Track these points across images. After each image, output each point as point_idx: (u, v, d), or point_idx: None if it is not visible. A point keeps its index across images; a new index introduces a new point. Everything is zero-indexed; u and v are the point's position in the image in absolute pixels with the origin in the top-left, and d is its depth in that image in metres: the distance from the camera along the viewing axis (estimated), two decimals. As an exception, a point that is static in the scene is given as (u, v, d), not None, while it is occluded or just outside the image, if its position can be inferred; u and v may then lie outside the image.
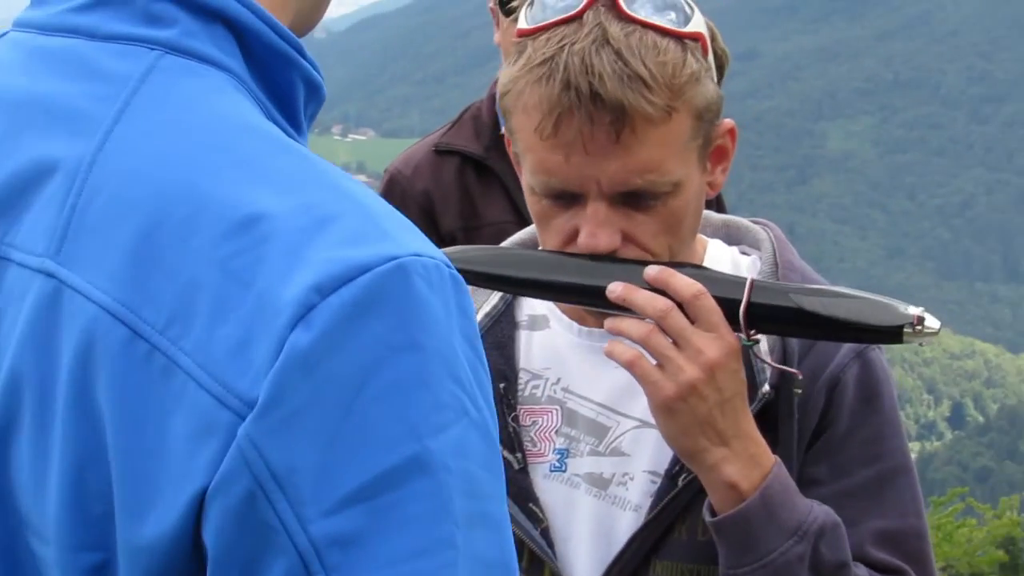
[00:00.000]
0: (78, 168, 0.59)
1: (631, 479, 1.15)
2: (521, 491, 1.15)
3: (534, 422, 1.19)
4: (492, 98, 2.23)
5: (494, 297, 1.24)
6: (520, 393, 1.20)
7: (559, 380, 1.19)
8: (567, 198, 1.09)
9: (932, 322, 1.03)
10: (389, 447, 0.54)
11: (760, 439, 1.08)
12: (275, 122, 0.64)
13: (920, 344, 1.06)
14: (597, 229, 1.07)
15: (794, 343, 1.15)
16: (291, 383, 0.53)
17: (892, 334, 1.04)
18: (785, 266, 1.18)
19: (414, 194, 2.34)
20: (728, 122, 1.16)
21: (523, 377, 1.21)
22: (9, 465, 0.59)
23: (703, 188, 1.14)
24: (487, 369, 0.61)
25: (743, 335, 1.05)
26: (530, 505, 1.15)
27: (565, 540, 1.15)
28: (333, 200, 0.58)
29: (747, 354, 1.10)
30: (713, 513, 1.07)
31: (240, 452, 0.52)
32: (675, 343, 1.03)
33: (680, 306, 1.03)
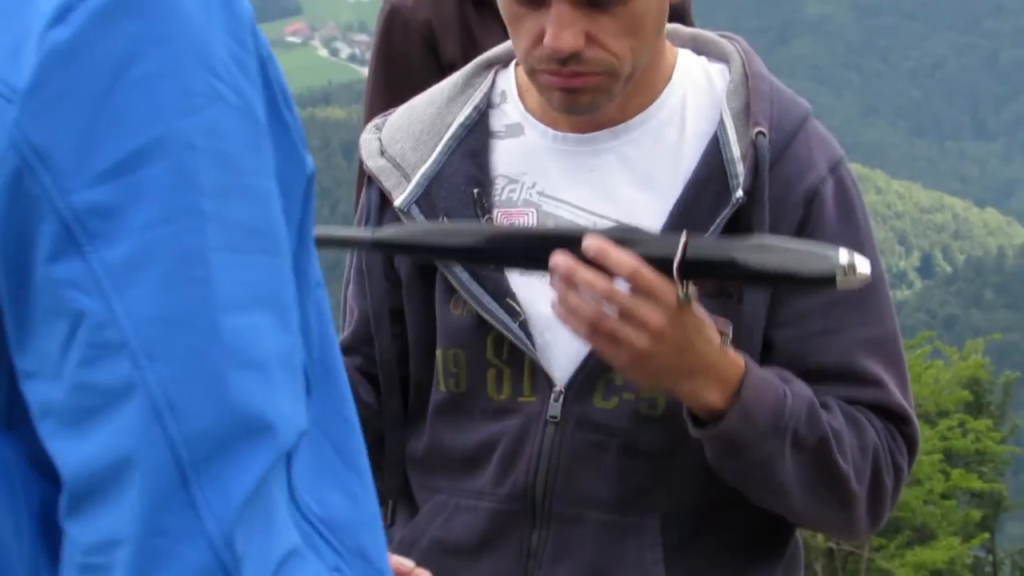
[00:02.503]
0: None
1: None
2: (498, 287, 1.17)
3: (511, 224, 1.21)
4: None
5: (467, 107, 1.24)
6: (497, 197, 1.21)
7: (535, 184, 1.20)
8: (534, 1, 1.09)
9: (863, 267, 1.03)
10: (138, 129, 0.59)
11: (724, 359, 1.10)
12: None
13: (853, 288, 1.07)
14: (561, 31, 1.07)
15: (765, 150, 1.14)
16: (51, 73, 0.58)
17: (825, 282, 1.04)
18: (754, 76, 1.18)
19: (416, 25, 2.20)
20: None
21: (499, 182, 1.22)
22: None
23: None
24: (268, 66, 0.65)
25: (681, 291, 1.05)
26: (507, 300, 1.17)
27: (543, 332, 1.16)
28: None
29: (720, 163, 1.14)
30: (695, 423, 1.11)
31: (7, 134, 0.58)
32: (620, 314, 1.05)
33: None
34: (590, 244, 1.04)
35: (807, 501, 1.16)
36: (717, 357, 1.10)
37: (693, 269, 1.06)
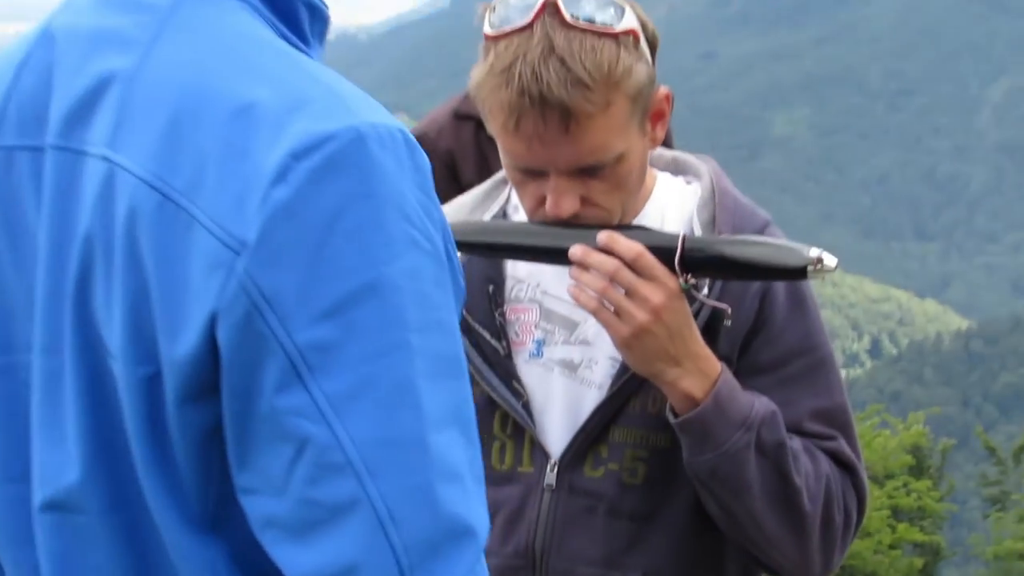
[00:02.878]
0: (126, 78, 0.65)
1: (596, 363, 1.18)
2: (506, 372, 1.19)
3: (517, 317, 1.21)
4: None
5: (487, 215, 1.27)
6: (508, 294, 1.22)
7: (538, 284, 1.21)
8: (534, 173, 1.11)
9: (829, 261, 1.05)
10: (351, 274, 0.59)
11: (707, 354, 1.11)
12: (285, 37, 0.68)
13: (822, 279, 1.08)
14: (559, 199, 1.09)
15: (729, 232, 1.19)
16: (275, 228, 0.58)
17: (798, 272, 1.06)
18: (720, 192, 1.20)
19: (439, 153, 2.15)
20: (664, 89, 1.15)
21: (510, 282, 1.23)
22: (90, 304, 0.65)
23: (646, 148, 1.16)
24: (441, 211, 0.66)
25: (681, 279, 1.07)
26: (514, 383, 1.18)
27: (542, 412, 1.18)
28: (311, 88, 0.63)
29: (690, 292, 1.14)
30: (675, 415, 1.11)
31: (239, 281, 0.58)
32: (626, 293, 1.07)
33: (629, 264, 1.07)
34: (602, 236, 1.08)
35: (766, 513, 1.12)
36: (702, 350, 1.10)
37: (690, 261, 1.08)
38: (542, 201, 1.11)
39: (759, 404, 1.12)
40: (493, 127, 1.13)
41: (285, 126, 0.61)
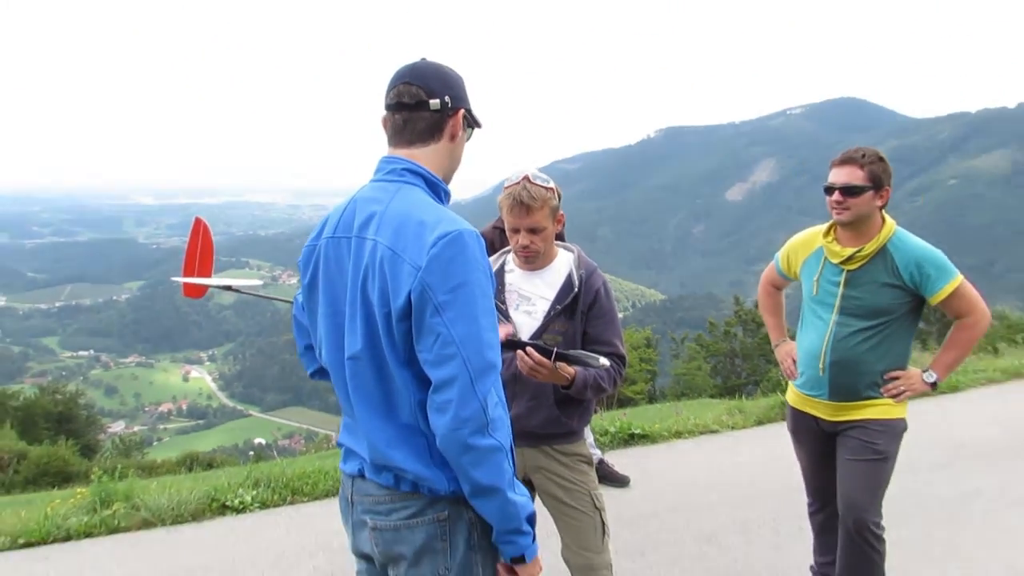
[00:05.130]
0: (380, 212, 1.78)
1: (536, 313, 2.82)
2: (505, 315, 2.84)
3: (508, 296, 2.89)
4: None
5: (497, 264, 2.99)
6: (506, 291, 2.90)
7: (514, 283, 2.90)
8: (516, 230, 2.78)
9: (605, 361, 2.44)
10: (458, 279, 1.70)
11: (568, 373, 2.68)
12: (439, 200, 1.85)
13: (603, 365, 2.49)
14: (523, 239, 2.78)
15: (583, 278, 2.84)
16: (430, 262, 1.67)
17: (599, 365, 2.41)
18: (579, 255, 2.92)
19: (486, 238, 4.35)
20: (561, 213, 2.84)
21: (505, 285, 2.92)
22: (367, 289, 1.78)
23: (555, 228, 2.82)
24: (489, 262, 1.79)
25: (552, 363, 2.52)
26: (508, 319, 2.83)
27: (520, 327, 2.82)
28: (443, 215, 1.74)
29: (571, 281, 2.85)
30: (563, 388, 2.76)
31: (419, 280, 1.67)
32: (535, 373, 2.57)
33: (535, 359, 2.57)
34: (527, 351, 2.54)
35: (591, 394, 2.79)
36: (567, 374, 2.68)
37: (557, 356, 2.50)
38: (517, 241, 2.81)
39: (587, 376, 2.72)
40: (504, 215, 2.79)
41: (434, 229, 1.70)
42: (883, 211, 3.15)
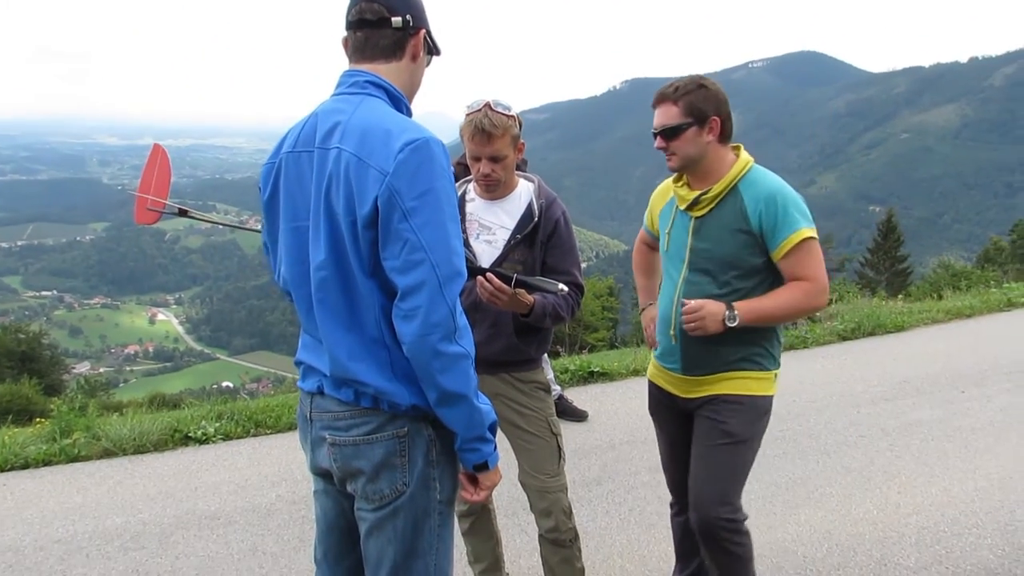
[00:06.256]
0: (344, 121, 1.70)
1: (496, 242, 2.77)
2: (466, 243, 2.75)
3: (469, 224, 2.81)
4: None
5: (459, 191, 2.90)
6: (467, 219, 2.82)
7: (475, 212, 2.83)
8: (476, 158, 2.71)
9: (564, 287, 2.42)
10: (424, 184, 1.60)
11: (528, 300, 2.62)
12: (399, 111, 1.77)
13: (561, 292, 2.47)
14: (484, 167, 2.70)
15: (543, 207, 2.77)
16: (398, 167, 1.60)
17: (556, 292, 2.44)
18: (540, 184, 2.85)
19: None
20: (522, 142, 2.79)
21: (467, 214, 2.84)
22: (331, 199, 1.70)
23: (516, 157, 2.75)
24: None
25: (511, 289, 2.50)
26: (469, 248, 2.76)
27: (480, 255, 2.76)
28: (407, 124, 1.67)
29: (531, 210, 2.76)
30: (523, 316, 2.69)
31: (386, 185, 1.59)
32: (494, 299, 2.53)
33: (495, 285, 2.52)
34: (487, 277, 2.48)
35: (549, 323, 2.74)
36: (526, 301, 2.61)
37: (516, 282, 2.48)
38: (479, 171, 2.71)
39: (546, 305, 2.68)
40: (465, 143, 2.70)
41: (400, 136, 1.62)
42: (733, 146, 2.59)
